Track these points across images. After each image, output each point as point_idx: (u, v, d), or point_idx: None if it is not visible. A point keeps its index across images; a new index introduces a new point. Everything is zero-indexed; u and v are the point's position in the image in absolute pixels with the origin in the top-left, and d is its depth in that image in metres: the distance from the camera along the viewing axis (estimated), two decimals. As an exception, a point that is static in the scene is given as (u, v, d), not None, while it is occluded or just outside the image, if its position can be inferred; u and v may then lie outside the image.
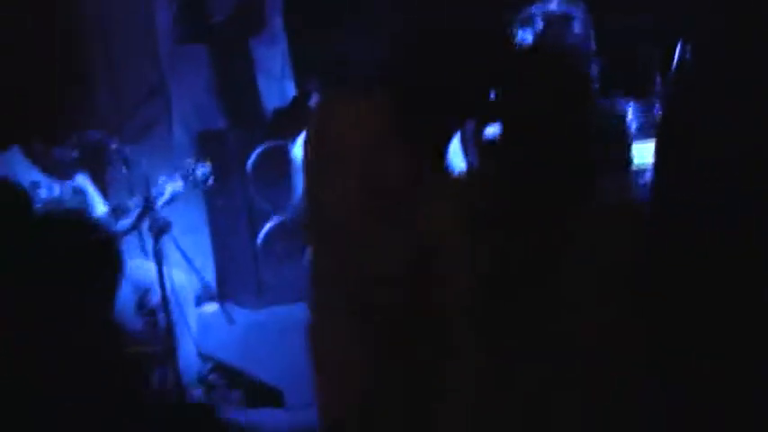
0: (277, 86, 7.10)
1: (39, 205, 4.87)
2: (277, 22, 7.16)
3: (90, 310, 2.45)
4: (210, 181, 5.48)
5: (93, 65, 6.63)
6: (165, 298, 5.00)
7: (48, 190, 5.28)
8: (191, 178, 5.40)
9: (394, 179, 2.48)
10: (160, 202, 5.27)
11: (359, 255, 2.51)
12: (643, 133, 4.60)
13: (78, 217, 2.70)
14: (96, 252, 2.52)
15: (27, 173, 5.25)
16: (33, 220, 2.58)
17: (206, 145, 6.72)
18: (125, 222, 5.26)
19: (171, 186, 5.36)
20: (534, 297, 2.39)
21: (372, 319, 2.50)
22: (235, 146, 6.60)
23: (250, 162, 6.44)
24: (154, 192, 5.24)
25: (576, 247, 2.40)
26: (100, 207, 5.48)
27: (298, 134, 5.75)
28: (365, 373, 2.54)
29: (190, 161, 5.49)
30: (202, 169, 5.44)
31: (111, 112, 6.09)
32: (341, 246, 2.56)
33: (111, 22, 6.64)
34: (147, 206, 5.14)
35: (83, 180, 5.48)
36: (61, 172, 5.37)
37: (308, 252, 2.74)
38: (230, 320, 5.82)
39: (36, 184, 5.23)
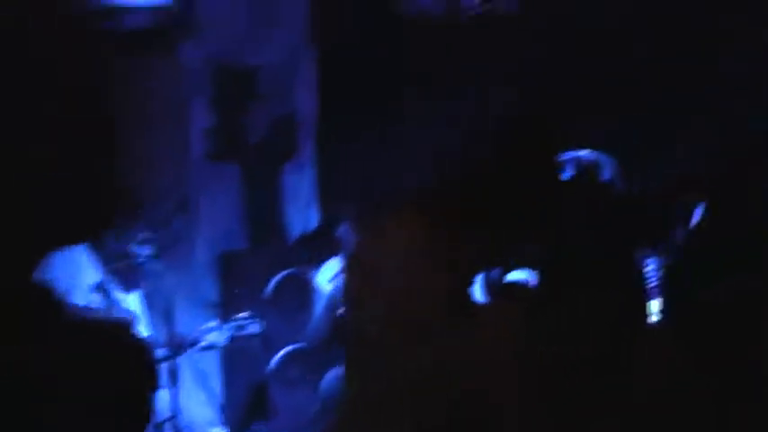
0: (302, 213, 7.13)
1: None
2: (307, 149, 7.22)
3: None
4: (256, 340, 5.52)
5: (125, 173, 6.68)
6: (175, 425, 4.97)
7: (104, 296, 5.28)
8: (239, 333, 5.45)
9: (425, 302, 2.50)
10: (197, 346, 5.31)
11: (395, 374, 2.52)
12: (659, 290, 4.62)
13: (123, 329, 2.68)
14: (139, 371, 2.51)
15: (90, 274, 5.26)
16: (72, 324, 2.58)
17: (227, 266, 6.73)
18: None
19: (215, 336, 5.39)
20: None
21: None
22: (255, 269, 6.59)
23: (270, 286, 6.43)
24: (194, 334, 5.28)
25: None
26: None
27: (320, 262, 5.77)
28: None
29: (244, 315, 5.53)
30: (253, 328, 5.49)
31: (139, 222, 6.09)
32: (376, 365, 2.57)
33: (146, 127, 6.71)
34: (179, 345, 5.15)
35: (135, 302, 5.46)
36: (128, 278, 5.37)
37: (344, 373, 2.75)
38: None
39: (97, 287, 5.24)
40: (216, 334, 5.44)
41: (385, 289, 2.57)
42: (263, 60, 7.01)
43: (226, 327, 5.50)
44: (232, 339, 5.52)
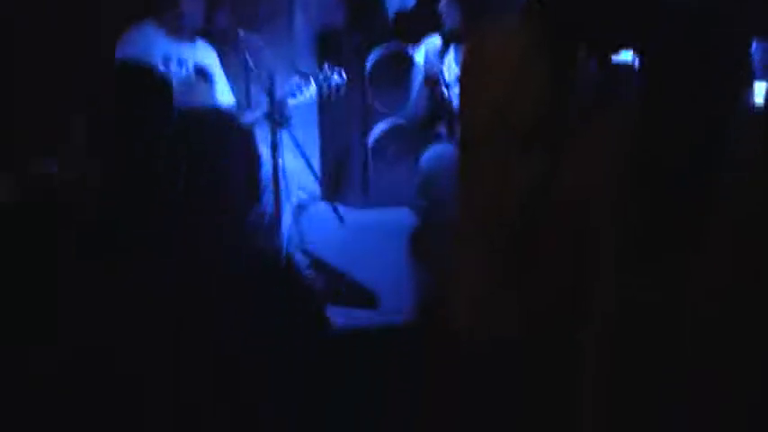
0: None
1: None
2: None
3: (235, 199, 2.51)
4: (342, 91, 5.52)
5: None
6: (278, 194, 5.07)
7: (178, 65, 5.33)
8: (324, 86, 5.45)
9: (538, 106, 2.49)
10: (291, 102, 5.33)
11: (500, 177, 2.54)
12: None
13: (216, 113, 2.72)
14: (237, 146, 2.56)
15: (159, 45, 5.30)
16: (175, 115, 2.63)
17: (326, 41, 6.69)
18: (250, 116, 5.31)
19: (304, 90, 5.40)
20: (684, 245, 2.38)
21: (508, 239, 2.52)
22: (355, 44, 6.55)
23: (369, 62, 6.40)
24: (284, 91, 5.29)
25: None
26: (226, 96, 5.52)
27: (419, 39, 5.72)
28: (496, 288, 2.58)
29: (327, 67, 5.52)
30: (338, 78, 5.47)
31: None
32: (484, 165, 2.59)
33: None
34: (274, 105, 5.19)
35: (209, 55, 5.50)
36: (190, 35, 5.42)
37: (457, 167, 2.78)
38: (340, 219, 5.84)
39: (168, 58, 5.29)
40: (304, 88, 5.46)
41: (496, 87, 2.57)
42: None
43: (311, 79, 5.50)
44: (320, 91, 5.52)
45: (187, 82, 5.31)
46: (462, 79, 2.71)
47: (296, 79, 5.46)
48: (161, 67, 5.19)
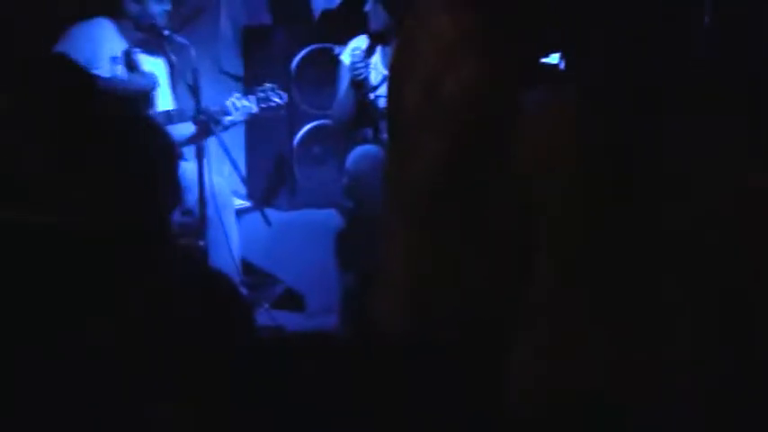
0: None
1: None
2: None
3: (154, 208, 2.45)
4: (282, 111, 5.55)
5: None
6: (202, 198, 5.02)
7: (123, 68, 5.29)
8: (263, 104, 5.45)
9: (467, 94, 2.47)
10: (228, 119, 5.32)
11: (427, 162, 2.51)
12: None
13: (138, 120, 2.66)
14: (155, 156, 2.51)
15: (111, 45, 5.27)
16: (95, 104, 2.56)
17: (251, 41, 6.64)
18: (183, 131, 5.26)
19: (244, 107, 5.39)
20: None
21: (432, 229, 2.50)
22: (280, 44, 6.50)
23: (295, 62, 6.35)
24: (222, 106, 5.28)
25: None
26: (166, 103, 5.47)
27: (346, 38, 5.69)
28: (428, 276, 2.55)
29: (268, 86, 5.52)
30: (278, 98, 5.49)
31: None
32: (411, 151, 2.56)
33: None
34: (200, 109, 5.16)
35: (157, 60, 5.45)
36: (151, 48, 5.42)
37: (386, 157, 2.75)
38: (267, 222, 5.79)
39: (115, 61, 5.24)
40: (243, 104, 5.44)
41: (429, 71, 2.55)
42: None
43: (251, 97, 5.48)
44: (259, 109, 5.51)
45: (128, 86, 5.26)
46: (393, 66, 2.69)
47: (234, 96, 5.46)
48: (106, 69, 5.16)
